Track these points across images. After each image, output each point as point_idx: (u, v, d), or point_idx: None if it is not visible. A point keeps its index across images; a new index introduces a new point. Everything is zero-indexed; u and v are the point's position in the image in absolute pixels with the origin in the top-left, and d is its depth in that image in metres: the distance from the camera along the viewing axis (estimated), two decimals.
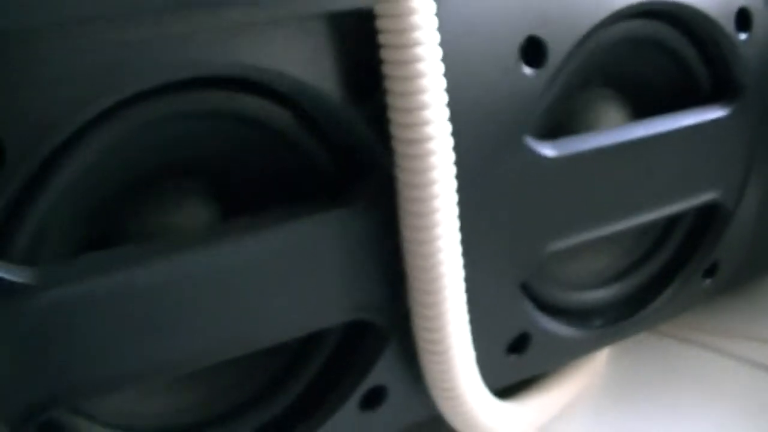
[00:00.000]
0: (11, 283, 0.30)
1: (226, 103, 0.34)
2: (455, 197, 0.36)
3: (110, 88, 0.30)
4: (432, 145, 0.35)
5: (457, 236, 0.37)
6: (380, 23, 0.34)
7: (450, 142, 0.35)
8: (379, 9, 0.33)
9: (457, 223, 0.37)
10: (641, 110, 0.48)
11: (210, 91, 0.33)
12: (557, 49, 0.40)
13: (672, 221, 0.52)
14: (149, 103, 0.32)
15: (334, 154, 0.37)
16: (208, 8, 0.32)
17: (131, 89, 0.31)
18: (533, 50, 0.40)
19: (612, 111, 0.48)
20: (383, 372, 0.41)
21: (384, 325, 0.40)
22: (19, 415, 0.32)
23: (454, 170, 0.36)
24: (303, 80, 0.34)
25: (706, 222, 0.52)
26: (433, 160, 0.35)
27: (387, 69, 0.34)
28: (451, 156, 0.36)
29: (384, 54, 0.34)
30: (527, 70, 0.40)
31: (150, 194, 0.35)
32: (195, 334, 0.34)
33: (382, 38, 0.34)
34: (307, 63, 0.34)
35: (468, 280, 0.39)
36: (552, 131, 0.44)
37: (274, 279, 0.36)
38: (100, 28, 0.30)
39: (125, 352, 0.33)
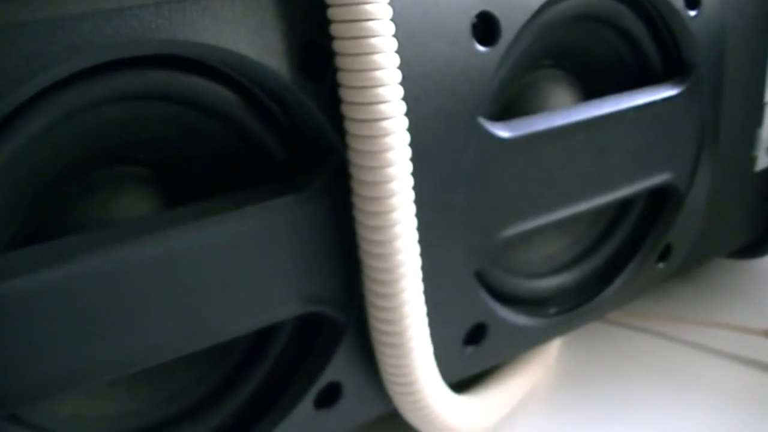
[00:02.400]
0: None
1: (169, 84, 0.33)
2: (411, 181, 0.35)
3: (40, 69, 0.29)
4: (386, 125, 0.34)
5: (414, 222, 0.36)
6: None
7: (405, 122, 0.34)
8: None
9: (413, 209, 0.36)
10: (592, 90, 0.48)
11: (151, 72, 0.32)
12: (509, 26, 0.39)
13: (625, 205, 0.51)
14: (84, 84, 0.31)
15: (284, 138, 0.36)
16: None
17: (64, 70, 0.29)
18: (485, 27, 0.39)
19: (562, 91, 0.48)
20: (339, 368, 0.40)
21: (339, 318, 0.39)
22: None
23: (409, 152, 0.35)
24: (249, 58, 0.33)
25: (659, 205, 0.52)
26: (388, 140, 0.34)
27: (338, 46, 0.33)
28: (406, 137, 0.35)
29: (334, 29, 0.33)
30: (480, 48, 0.39)
31: (88, 183, 0.34)
32: (140, 331, 0.33)
33: (332, 12, 0.33)
34: (254, 40, 0.33)
35: (423, 269, 0.38)
36: (502, 112, 0.43)
37: (223, 270, 0.34)
38: (27, 4, 0.28)
39: (67, 351, 0.31)
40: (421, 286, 0.38)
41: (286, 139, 0.36)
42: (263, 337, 0.39)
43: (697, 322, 0.59)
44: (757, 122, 0.56)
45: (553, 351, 0.55)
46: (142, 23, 0.30)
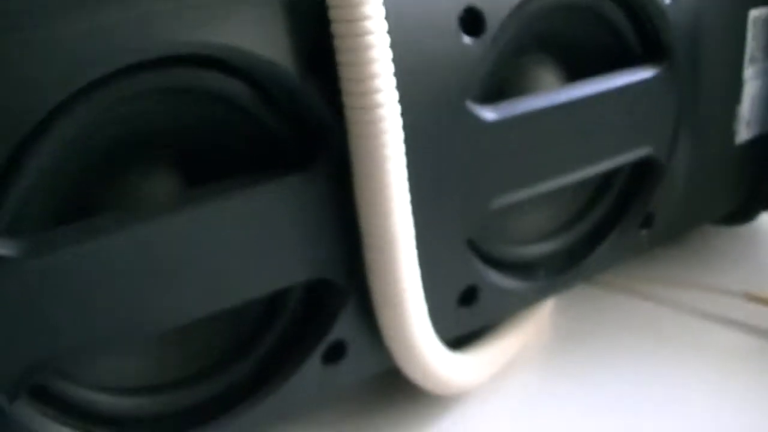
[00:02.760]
0: None
1: (190, 80, 0.36)
2: (404, 160, 0.39)
3: (80, 71, 0.32)
4: (381, 112, 0.37)
5: (408, 197, 0.39)
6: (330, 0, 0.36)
7: (398, 109, 0.37)
8: None
9: (407, 185, 0.39)
10: (576, 73, 0.50)
11: (174, 69, 0.35)
12: (494, 18, 0.42)
13: (608, 176, 0.54)
14: (118, 82, 0.34)
15: (291, 125, 0.39)
16: None
17: (100, 71, 0.33)
18: (471, 20, 0.41)
19: (548, 74, 0.50)
20: (343, 328, 0.43)
21: (343, 283, 0.42)
22: (12, 379, 0.34)
23: (402, 135, 0.38)
24: (260, 56, 0.35)
25: (641, 176, 0.54)
26: (383, 125, 0.37)
27: (338, 43, 0.36)
28: (399, 122, 0.38)
29: (334, 28, 0.36)
30: (467, 39, 0.41)
31: (121, 167, 0.37)
32: (169, 295, 0.36)
33: (332, 14, 0.36)
34: (264, 40, 0.35)
35: (418, 238, 0.41)
36: (493, 95, 0.46)
37: (240, 242, 0.37)
38: (67, 15, 0.31)
39: (104, 314, 0.35)
40: (415, 254, 0.41)
41: (294, 124, 0.39)
42: (274, 301, 0.42)
43: (682, 284, 0.62)
44: (737, 99, 0.58)
45: (545, 312, 0.57)
46: (168, 28, 0.33)
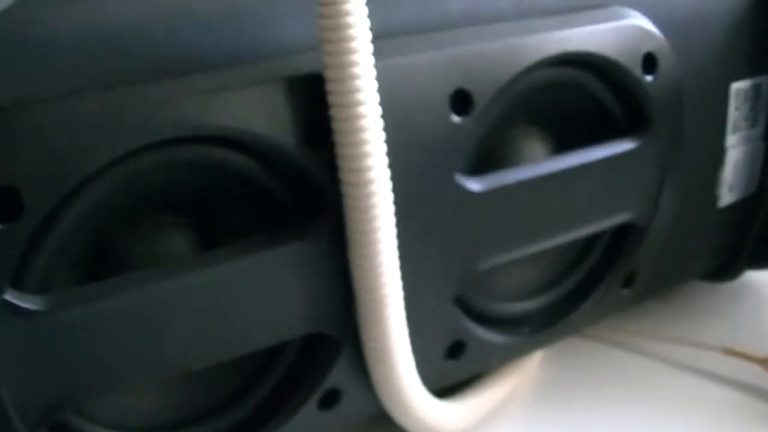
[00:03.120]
0: (27, 310, 0.35)
1: (202, 155, 0.38)
2: (395, 231, 0.41)
3: (107, 147, 0.35)
4: (374, 188, 0.39)
5: (397, 262, 0.42)
6: (329, 86, 0.38)
7: (389, 185, 0.40)
8: (327, 74, 0.38)
9: (396, 252, 0.42)
10: (563, 143, 0.53)
11: (188, 147, 0.38)
12: (482, 98, 0.45)
13: (591, 238, 0.56)
14: (139, 156, 0.37)
15: (294, 196, 0.42)
16: (184, 77, 0.37)
17: (124, 147, 0.36)
18: (461, 100, 0.44)
19: (536, 145, 0.52)
20: (338, 376, 0.45)
21: (338, 336, 0.44)
22: (35, 417, 0.37)
23: (393, 208, 0.41)
24: (266, 135, 0.38)
25: (623, 239, 0.56)
26: (375, 200, 0.40)
27: (335, 124, 0.38)
28: (391, 196, 0.40)
29: (333, 112, 0.38)
30: (456, 118, 0.44)
31: (141, 230, 0.40)
32: (179, 346, 0.39)
33: (330, 99, 0.38)
34: (269, 121, 0.38)
35: (407, 297, 0.44)
36: (484, 164, 0.48)
37: (245, 299, 0.40)
38: (97, 98, 0.35)
39: (120, 361, 0.38)
40: (403, 312, 0.43)
41: (295, 192, 0.42)
42: (275, 351, 0.45)
43: (664, 337, 0.63)
44: (719, 165, 0.60)
45: (531, 362, 0.59)
46: (182, 111, 0.36)
